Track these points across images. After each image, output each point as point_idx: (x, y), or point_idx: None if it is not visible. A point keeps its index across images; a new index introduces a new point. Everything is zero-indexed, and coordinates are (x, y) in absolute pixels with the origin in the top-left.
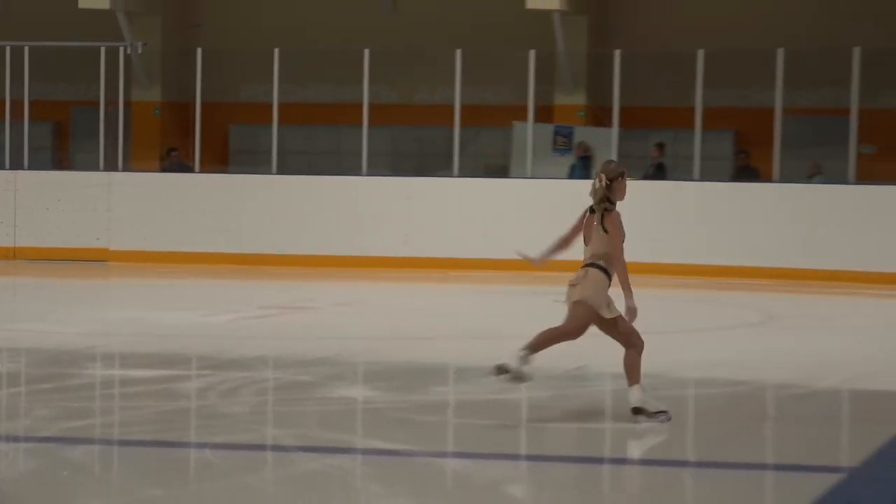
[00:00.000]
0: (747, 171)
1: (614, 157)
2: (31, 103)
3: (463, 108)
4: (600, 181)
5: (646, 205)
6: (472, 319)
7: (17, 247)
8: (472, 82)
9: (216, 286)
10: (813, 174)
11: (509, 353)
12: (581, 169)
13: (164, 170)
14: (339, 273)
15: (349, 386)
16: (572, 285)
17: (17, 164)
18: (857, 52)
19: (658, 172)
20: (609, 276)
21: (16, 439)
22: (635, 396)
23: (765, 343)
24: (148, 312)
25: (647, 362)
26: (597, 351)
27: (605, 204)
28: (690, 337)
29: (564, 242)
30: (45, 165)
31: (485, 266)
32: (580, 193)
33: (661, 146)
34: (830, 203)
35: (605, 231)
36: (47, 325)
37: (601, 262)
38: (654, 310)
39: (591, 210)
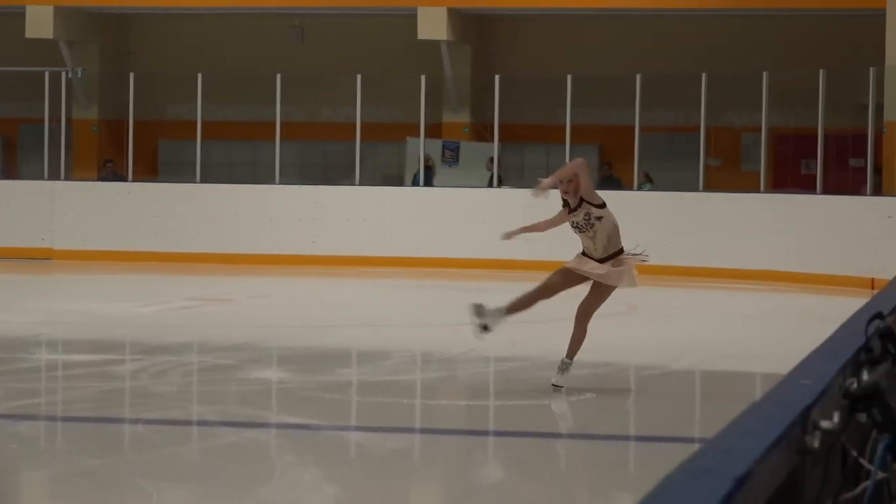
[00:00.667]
0: (610, 180)
1: (495, 167)
2: None
3: (363, 125)
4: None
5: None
6: (371, 310)
7: None
8: (370, 103)
9: (147, 281)
10: (643, 182)
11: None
12: (425, 178)
13: (101, 179)
14: (254, 269)
15: (264, 368)
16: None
17: None
18: (704, 78)
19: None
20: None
21: None
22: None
23: (628, 331)
24: (87, 304)
25: (520, 349)
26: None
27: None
28: (559, 325)
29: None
30: None
31: (383, 263)
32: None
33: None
34: (683, 208)
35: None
36: None
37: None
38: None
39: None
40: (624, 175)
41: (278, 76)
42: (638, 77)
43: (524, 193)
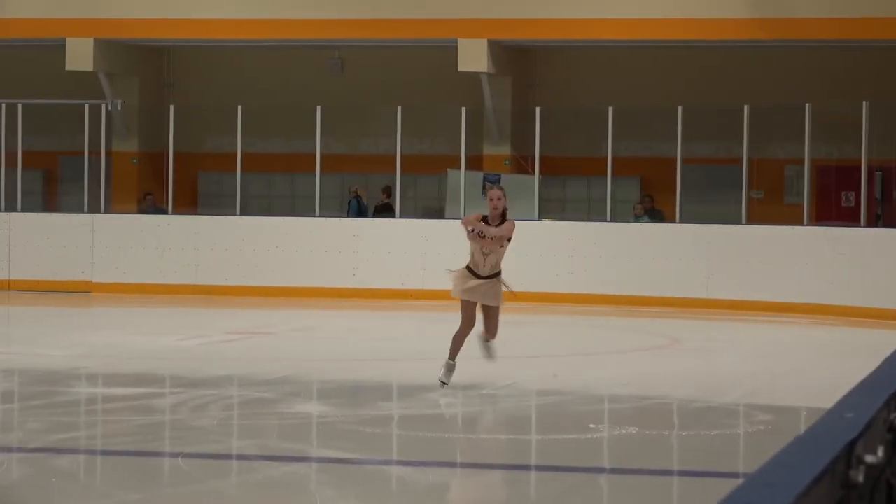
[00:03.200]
0: (653, 212)
1: (535, 200)
2: (23, 153)
3: (403, 157)
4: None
5: (558, 243)
6: (412, 343)
7: (11, 279)
8: (411, 135)
9: (187, 314)
10: (639, 215)
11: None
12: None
13: (140, 212)
14: (295, 302)
15: (305, 402)
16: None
17: (11, 207)
18: (746, 109)
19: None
20: None
21: (10, 450)
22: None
23: (669, 364)
24: (127, 337)
25: (562, 382)
26: (523, 368)
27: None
28: (600, 359)
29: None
30: (35, 208)
31: (423, 296)
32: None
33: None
34: (726, 241)
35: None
36: (38, 348)
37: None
38: (571, 334)
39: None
40: (666, 207)
41: (318, 108)
42: (679, 109)
43: (566, 227)
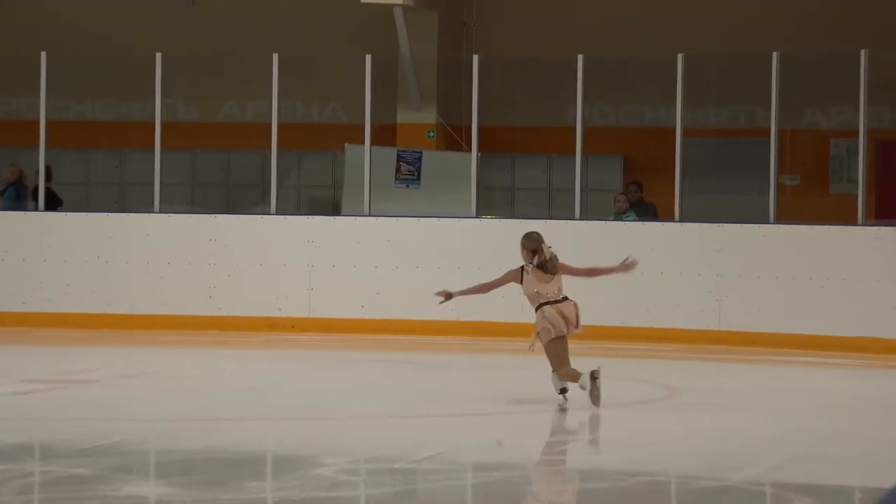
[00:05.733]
0: (642, 206)
1: (472, 189)
2: None
3: (281, 127)
4: (543, 248)
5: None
6: (295, 395)
7: None
8: (292, 95)
9: None
10: (622, 210)
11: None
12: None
13: None
14: (124, 337)
15: (139, 481)
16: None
17: None
18: (775, 58)
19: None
20: None
21: None
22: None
23: (666, 423)
24: None
25: (510, 450)
26: (455, 431)
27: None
28: (572, 416)
29: (484, 289)
30: None
31: (309, 327)
32: (435, 234)
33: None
34: (746, 247)
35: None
36: None
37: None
38: (524, 381)
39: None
40: (660, 199)
41: (158, 57)
42: (679, 58)
43: (515, 228)
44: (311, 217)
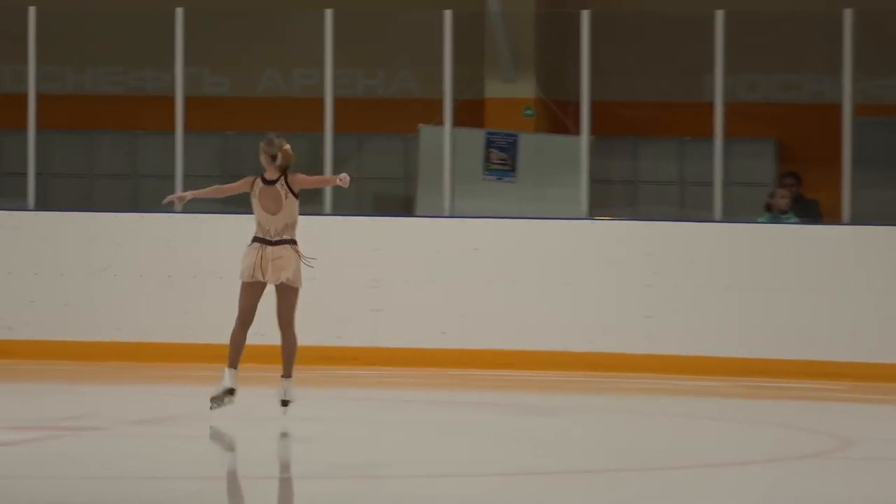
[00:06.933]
0: (802, 203)
1: (582, 181)
2: None
3: (337, 102)
4: (284, 150)
5: (634, 260)
6: (352, 447)
7: None
8: (350, 63)
9: None
10: (782, 209)
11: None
12: None
13: None
14: (134, 371)
15: None
16: (279, 264)
17: None
18: None
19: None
20: None
21: None
22: (289, 392)
23: (837, 487)
24: None
25: None
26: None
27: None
28: (718, 474)
29: (219, 192)
30: None
31: (375, 359)
32: (537, 237)
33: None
34: None
35: (296, 196)
36: None
37: (292, 235)
38: (641, 430)
39: (266, 181)
40: (824, 195)
41: (179, 12)
42: (847, 14)
43: (639, 231)
44: (376, 218)
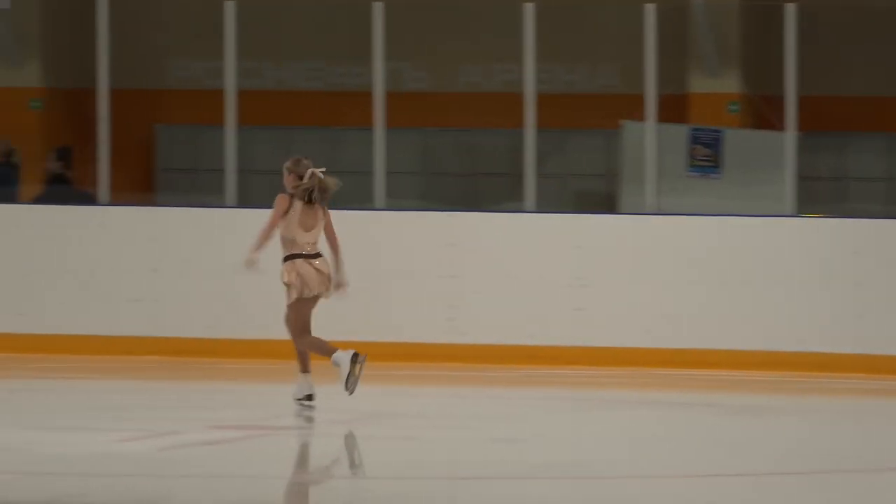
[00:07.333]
0: None
1: (789, 179)
2: None
3: (538, 98)
4: (318, 177)
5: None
6: (558, 448)
7: None
8: (551, 57)
9: (135, 392)
10: None
11: None
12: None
13: (39, 200)
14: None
15: None
16: (326, 275)
17: None
18: None
19: None
20: None
21: None
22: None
23: None
24: (24, 434)
25: None
26: None
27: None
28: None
29: (269, 234)
30: None
31: (578, 358)
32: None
33: None
34: None
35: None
36: None
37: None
38: (872, 434)
39: (309, 200)
40: None
41: (377, 7)
42: None
43: (851, 229)
44: (578, 215)
